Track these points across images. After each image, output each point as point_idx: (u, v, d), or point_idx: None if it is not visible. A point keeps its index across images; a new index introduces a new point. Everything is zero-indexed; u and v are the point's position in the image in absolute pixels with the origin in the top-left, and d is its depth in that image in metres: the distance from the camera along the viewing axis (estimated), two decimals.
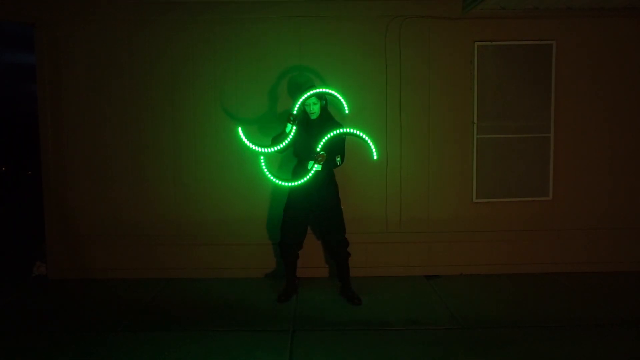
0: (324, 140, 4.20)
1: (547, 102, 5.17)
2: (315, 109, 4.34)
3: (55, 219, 5.23)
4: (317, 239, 5.09)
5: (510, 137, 5.18)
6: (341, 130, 4.27)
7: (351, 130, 4.34)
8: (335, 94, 4.37)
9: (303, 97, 4.27)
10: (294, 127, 4.29)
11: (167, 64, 5.13)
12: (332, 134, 4.21)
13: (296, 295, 4.61)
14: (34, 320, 4.13)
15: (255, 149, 4.38)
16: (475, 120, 5.17)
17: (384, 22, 5.10)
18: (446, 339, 3.70)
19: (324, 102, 4.39)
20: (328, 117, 4.44)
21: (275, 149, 4.36)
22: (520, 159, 5.21)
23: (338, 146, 4.34)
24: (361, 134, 4.35)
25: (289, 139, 4.31)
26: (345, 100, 4.39)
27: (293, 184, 4.36)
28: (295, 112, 4.27)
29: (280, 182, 4.42)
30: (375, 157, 4.41)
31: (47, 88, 5.13)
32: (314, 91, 4.28)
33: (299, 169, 4.44)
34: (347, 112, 4.43)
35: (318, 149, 4.17)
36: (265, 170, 4.44)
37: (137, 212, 5.21)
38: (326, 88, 4.43)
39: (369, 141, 4.38)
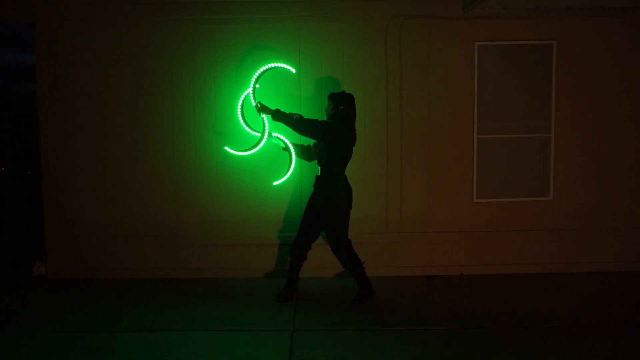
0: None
1: (547, 102, 5.17)
2: (328, 111, 4.42)
3: (55, 219, 5.22)
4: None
5: (510, 137, 5.18)
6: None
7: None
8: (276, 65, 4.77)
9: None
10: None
11: (167, 64, 5.12)
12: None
13: (296, 295, 4.61)
14: (34, 320, 4.12)
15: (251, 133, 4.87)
16: (475, 121, 5.17)
17: (384, 22, 5.09)
18: (446, 339, 3.70)
19: (330, 107, 4.36)
20: (337, 119, 4.36)
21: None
22: (520, 159, 5.20)
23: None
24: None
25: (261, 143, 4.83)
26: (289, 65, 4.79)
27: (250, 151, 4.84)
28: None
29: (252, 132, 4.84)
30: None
31: (47, 88, 5.13)
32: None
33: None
34: (293, 71, 4.81)
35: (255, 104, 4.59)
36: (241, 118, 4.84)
37: (137, 212, 5.21)
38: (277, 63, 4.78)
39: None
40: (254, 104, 4.62)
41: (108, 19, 5.08)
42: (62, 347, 3.60)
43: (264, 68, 4.74)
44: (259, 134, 4.78)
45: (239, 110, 4.82)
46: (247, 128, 4.82)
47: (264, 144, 4.86)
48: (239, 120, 4.83)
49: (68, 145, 5.19)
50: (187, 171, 5.19)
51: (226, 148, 4.93)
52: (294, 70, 4.83)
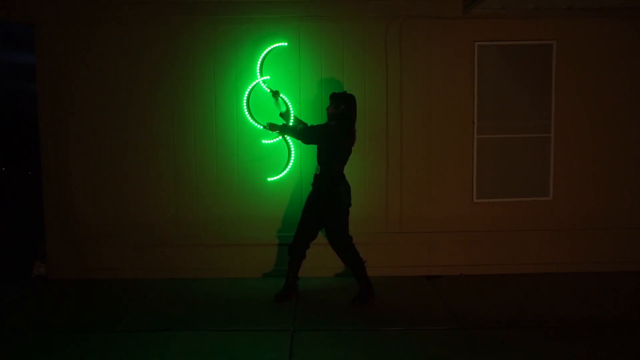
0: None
1: (547, 102, 5.17)
2: (329, 110, 4.45)
3: (55, 219, 5.22)
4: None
5: (510, 137, 5.18)
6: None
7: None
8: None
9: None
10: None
11: (167, 65, 5.12)
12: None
13: (296, 295, 4.61)
14: (34, 320, 4.12)
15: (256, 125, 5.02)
16: (475, 121, 5.17)
17: (384, 22, 5.10)
18: (446, 339, 3.70)
19: (331, 106, 4.40)
20: (337, 118, 4.38)
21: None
22: (520, 159, 5.21)
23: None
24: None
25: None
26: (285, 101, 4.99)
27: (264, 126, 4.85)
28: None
29: (257, 125, 5.00)
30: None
31: (47, 88, 5.13)
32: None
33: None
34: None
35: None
36: (247, 112, 5.02)
37: (137, 212, 5.21)
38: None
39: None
40: (263, 126, 4.79)
41: (107, 19, 5.08)
42: (62, 347, 3.60)
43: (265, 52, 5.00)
44: (261, 126, 4.94)
45: (245, 103, 4.99)
46: (252, 121, 5.00)
47: (266, 145, 5.07)
48: (245, 113, 5.01)
49: (68, 145, 5.19)
50: (186, 171, 5.19)
51: (269, 179, 5.12)
52: (285, 43, 5.04)
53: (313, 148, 4.56)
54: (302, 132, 4.39)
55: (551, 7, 4.94)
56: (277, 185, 5.17)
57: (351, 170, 4.60)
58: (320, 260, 5.04)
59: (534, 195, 5.25)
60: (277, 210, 5.21)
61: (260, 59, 4.98)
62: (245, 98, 5.00)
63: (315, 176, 4.41)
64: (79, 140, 5.18)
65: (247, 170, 5.18)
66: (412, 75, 5.14)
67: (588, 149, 5.25)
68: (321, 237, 4.57)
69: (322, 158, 4.35)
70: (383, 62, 5.12)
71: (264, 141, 5.03)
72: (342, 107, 4.33)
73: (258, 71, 4.97)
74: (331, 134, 4.27)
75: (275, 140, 4.99)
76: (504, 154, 5.20)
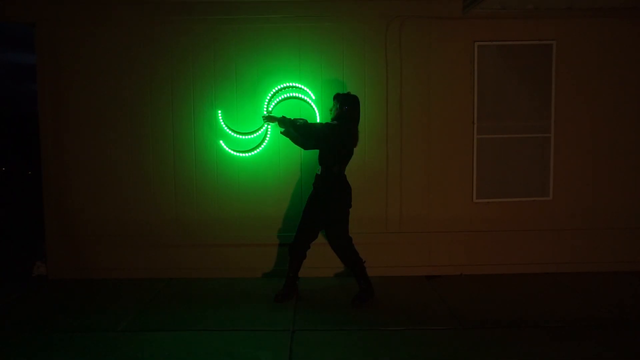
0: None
1: (547, 102, 5.17)
2: (332, 111, 4.43)
3: (55, 219, 5.22)
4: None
5: (510, 137, 5.18)
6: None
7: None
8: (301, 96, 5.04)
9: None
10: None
11: (167, 65, 5.13)
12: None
13: (296, 295, 4.61)
14: (34, 320, 4.12)
15: (234, 135, 5.10)
16: (475, 120, 5.18)
17: (384, 22, 5.10)
18: (446, 339, 3.70)
19: (334, 107, 4.39)
20: (340, 119, 4.38)
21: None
22: (520, 159, 5.21)
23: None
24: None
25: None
26: (313, 102, 5.05)
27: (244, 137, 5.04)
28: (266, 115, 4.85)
29: (235, 135, 5.09)
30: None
31: (47, 88, 5.14)
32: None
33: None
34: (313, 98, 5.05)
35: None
36: (222, 123, 5.08)
37: (137, 212, 5.21)
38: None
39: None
40: (265, 114, 4.84)
41: (107, 19, 5.08)
42: (62, 347, 3.60)
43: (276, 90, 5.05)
44: (246, 137, 5.05)
45: (220, 119, 5.04)
46: (232, 133, 5.05)
47: (267, 145, 5.11)
48: (223, 127, 5.07)
49: (68, 145, 5.19)
50: (187, 171, 5.20)
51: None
52: (313, 97, 5.04)
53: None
54: (301, 134, 4.34)
55: (551, 7, 4.95)
56: (277, 185, 5.17)
57: (351, 170, 4.60)
58: (320, 260, 5.04)
59: (534, 195, 5.25)
60: (277, 210, 5.21)
61: (269, 95, 5.03)
62: (219, 115, 5.04)
63: (316, 176, 4.41)
64: (78, 140, 5.18)
65: (247, 170, 5.18)
66: (412, 75, 5.14)
67: (587, 149, 5.25)
68: (321, 237, 4.57)
69: (324, 158, 4.34)
70: (383, 62, 5.12)
71: (242, 137, 5.06)
72: (345, 108, 4.32)
73: (265, 104, 5.01)
74: (334, 134, 4.26)
75: (254, 135, 5.02)
76: (504, 154, 5.20)
